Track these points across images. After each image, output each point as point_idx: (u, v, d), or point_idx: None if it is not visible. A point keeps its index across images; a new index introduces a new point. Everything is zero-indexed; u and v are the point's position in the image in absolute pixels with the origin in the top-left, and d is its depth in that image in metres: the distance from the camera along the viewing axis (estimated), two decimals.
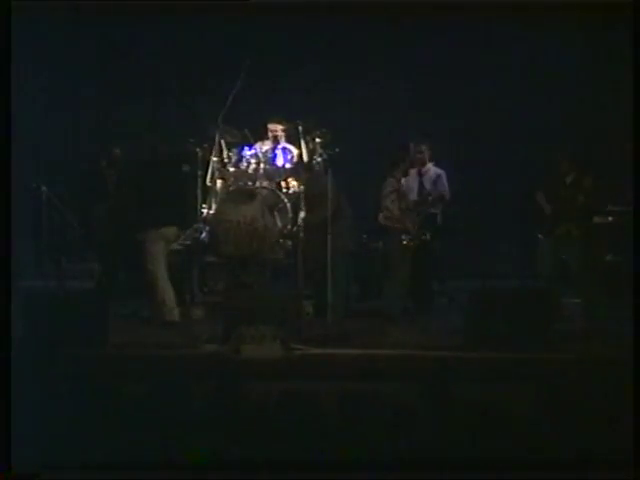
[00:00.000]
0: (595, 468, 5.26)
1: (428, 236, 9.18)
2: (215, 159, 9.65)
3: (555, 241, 8.88)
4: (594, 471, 5.25)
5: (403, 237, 9.12)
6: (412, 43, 11.20)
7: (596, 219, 9.07)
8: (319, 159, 9.35)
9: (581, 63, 11.16)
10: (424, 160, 9.67)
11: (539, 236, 9.01)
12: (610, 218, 9.62)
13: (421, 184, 9.45)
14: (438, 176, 9.60)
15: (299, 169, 9.67)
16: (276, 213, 9.40)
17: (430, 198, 9.30)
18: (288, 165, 9.80)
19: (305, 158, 9.75)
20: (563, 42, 11.09)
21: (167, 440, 5.41)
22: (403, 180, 9.36)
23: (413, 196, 9.40)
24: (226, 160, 9.67)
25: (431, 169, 9.65)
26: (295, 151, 9.90)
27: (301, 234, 9.29)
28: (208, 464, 5.30)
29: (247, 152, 9.64)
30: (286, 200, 9.47)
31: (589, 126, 10.80)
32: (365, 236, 10.07)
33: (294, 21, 11.00)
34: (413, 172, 9.46)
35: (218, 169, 9.65)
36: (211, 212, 9.54)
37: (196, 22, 11.06)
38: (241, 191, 9.49)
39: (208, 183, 9.59)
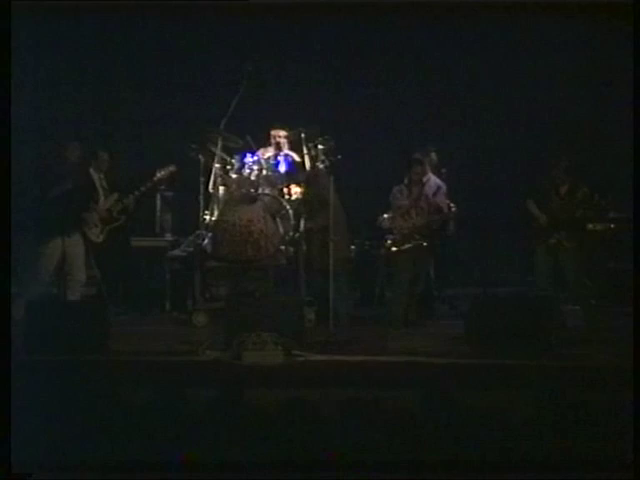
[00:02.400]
0: (595, 469, 5.26)
1: (426, 243, 9.20)
2: (217, 165, 9.67)
3: (553, 248, 8.89)
4: (594, 472, 5.26)
5: (401, 243, 9.16)
6: (418, 45, 11.17)
7: (592, 226, 9.07)
8: (321, 166, 9.38)
9: (580, 65, 11.13)
10: (426, 169, 9.65)
11: (537, 243, 9.00)
12: (611, 225, 9.64)
13: (421, 193, 9.43)
14: (438, 187, 9.59)
15: (301, 176, 9.69)
16: (278, 220, 9.41)
17: (427, 209, 9.30)
18: (290, 172, 9.81)
19: (307, 165, 9.78)
20: (563, 43, 11.06)
21: (167, 444, 5.42)
22: (407, 188, 9.39)
23: (414, 205, 9.39)
24: (228, 167, 9.69)
25: (431, 179, 9.64)
26: (297, 158, 9.92)
27: (303, 240, 9.33)
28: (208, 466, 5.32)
29: (249, 159, 9.66)
30: (288, 207, 9.49)
31: (587, 132, 10.79)
32: (367, 242, 10.08)
33: (295, 22, 11.00)
34: (417, 181, 9.46)
35: (220, 176, 9.67)
36: (213, 218, 9.56)
37: (196, 22, 11.08)
38: (243, 198, 9.50)
39: (210, 190, 9.61)
